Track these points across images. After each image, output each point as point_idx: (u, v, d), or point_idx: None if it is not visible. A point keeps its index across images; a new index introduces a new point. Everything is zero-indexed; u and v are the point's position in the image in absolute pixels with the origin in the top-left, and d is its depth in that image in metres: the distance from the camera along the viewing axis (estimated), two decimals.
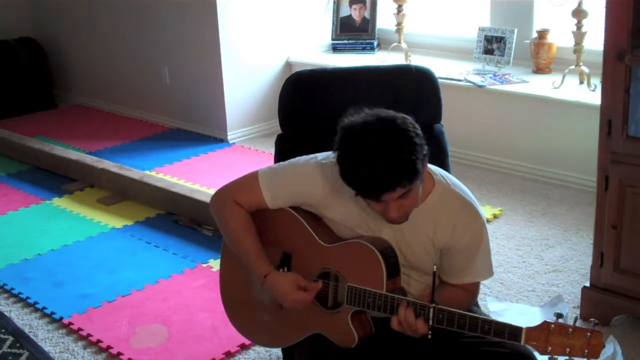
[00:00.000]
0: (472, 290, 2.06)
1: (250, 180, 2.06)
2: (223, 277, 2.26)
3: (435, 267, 1.86)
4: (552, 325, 1.71)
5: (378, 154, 1.77)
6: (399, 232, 1.96)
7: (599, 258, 2.84)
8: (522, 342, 1.75)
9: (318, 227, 2.03)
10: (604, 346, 1.70)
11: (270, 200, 2.03)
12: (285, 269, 2.06)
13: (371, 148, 1.78)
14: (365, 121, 1.83)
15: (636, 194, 2.69)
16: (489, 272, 2.04)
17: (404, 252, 1.98)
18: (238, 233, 2.06)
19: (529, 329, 1.74)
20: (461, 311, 1.81)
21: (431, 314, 1.82)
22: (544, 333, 1.72)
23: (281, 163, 2.10)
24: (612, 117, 2.68)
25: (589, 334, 1.68)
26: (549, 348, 1.71)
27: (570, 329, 1.70)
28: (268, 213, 2.06)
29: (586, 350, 1.68)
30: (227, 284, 2.25)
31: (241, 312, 2.22)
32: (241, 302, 2.20)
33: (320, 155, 2.04)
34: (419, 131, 1.83)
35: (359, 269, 1.93)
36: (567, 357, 1.70)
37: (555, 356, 1.71)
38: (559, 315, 1.73)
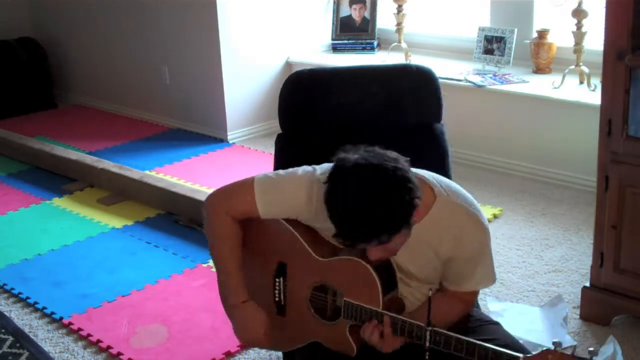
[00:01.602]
0: (469, 299, 2.05)
1: (245, 189, 2.00)
2: None
3: (430, 292, 1.85)
4: (550, 356, 1.68)
5: (358, 203, 1.71)
6: (398, 259, 1.94)
7: (599, 258, 2.84)
8: None
9: (313, 239, 2.01)
10: None
11: (264, 212, 1.99)
12: (282, 279, 2.05)
13: (353, 195, 1.72)
14: (357, 163, 1.75)
15: (636, 194, 2.69)
16: (491, 280, 2.02)
17: (406, 264, 1.96)
18: (224, 252, 2.04)
19: (526, 357, 1.72)
20: (458, 336, 1.79)
21: (428, 337, 1.81)
22: None
23: (279, 172, 2.03)
24: (612, 117, 2.68)
25: None
26: None
27: None
28: (263, 220, 2.04)
29: None
30: None
31: None
32: None
33: (319, 169, 1.98)
34: (411, 183, 1.74)
35: (355, 285, 1.91)
36: None
37: None
38: (557, 345, 1.70)
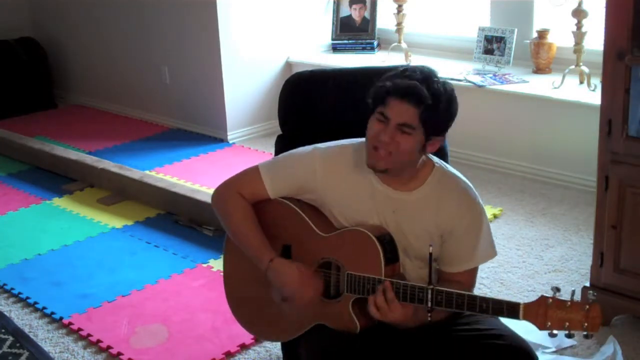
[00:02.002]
0: (470, 281, 2.07)
1: (251, 172, 2.11)
2: (227, 273, 2.27)
3: (431, 248, 1.88)
4: (550, 300, 1.71)
5: (430, 75, 1.92)
6: (403, 218, 1.98)
7: (599, 258, 2.84)
8: (521, 318, 1.75)
9: (317, 217, 2.05)
10: (602, 318, 1.69)
11: (271, 188, 2.07)
12: None
13: (424, 70, 1.94)
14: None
15: (636, 194, 2.69)
16: (493, 252, 2.07)
17: (406, 240, 2.00)
18: (241, 224, 2.08)
19: (526, 304, 1.74)
20: (459, 291, 1.82)
21: (429, 296, 1.83)
22: (542, 308, 1.72)
23: (281, 154, 2.15)
24: (612, 117, 2.68)
25: (587, 307, 1.68)
26: (548, 323, 1.71)
27: (568, 303, 1.69)
28: (267, 206, 2.09)
29: (585, 324, 1.68)
30: (230, 279, 2.26)
31: (245, 307, 2.24)
32: (245, 297, 2.22)
33: (320, 145, 2.08)
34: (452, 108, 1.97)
35: (358, 256, 1.95)
36: (566, 331, 1.69)
37: (555, 331, 1.70)
38: (557, 289, 1.72)
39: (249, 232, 2.07)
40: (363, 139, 2.02)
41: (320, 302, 2.01)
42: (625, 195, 2.71)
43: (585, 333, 1.69)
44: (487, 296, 1.81)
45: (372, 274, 1.91)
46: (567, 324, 1.69)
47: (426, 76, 1.92)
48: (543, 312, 1.72)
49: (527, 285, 3.24)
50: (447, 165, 2.07)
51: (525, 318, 1.74)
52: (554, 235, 3.67)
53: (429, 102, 1.88)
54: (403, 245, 2.00)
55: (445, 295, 1.82)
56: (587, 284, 2.92)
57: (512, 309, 1.76)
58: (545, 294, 1.74)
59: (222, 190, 2.14)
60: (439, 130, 1.95)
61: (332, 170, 2.02)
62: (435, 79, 1.93)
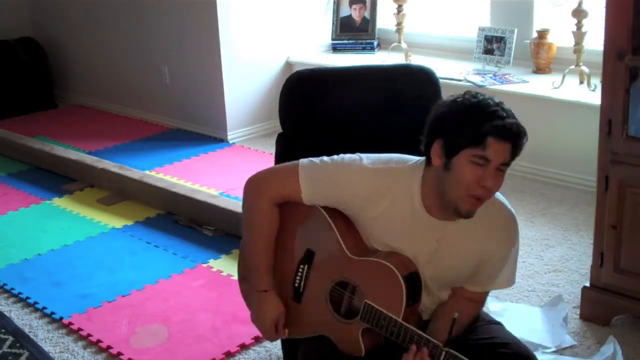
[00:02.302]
0: (481, 300, 2.05)
1: (289, 171, 2.00)
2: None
3: (456, 314, 1.84)
4: None
5: (505, 106, 1.84)
6: (442, 247, 1.93)
7: (599, 258, 2.84)
8: None
9: (348, 234, 1.99)
10: None
11: (307, 197, 1.98)
12: (306, 267, 2.04)
13: (495, 101, 1.83)
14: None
15: (636, 194, 2.69)
16: (511, 281, 2.03)
17: (438, 267, 1.94)
18: (259, 239, 2.05)
19: None
20: None
21: (442, 357, 1.80)
22: None
23: (323, 158, 2.00)
24: (612, 117, 2.68)
25: None
26: None
27: None
28: (301, 205, 2.02)
29: None
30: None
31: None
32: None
33: (365, 158, 1.97)
34: None
35: (379, 288, 1.90)
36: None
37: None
38: None
39: (262, 252, 2.05)
40: (413, 159, 1.95)
41: (330, 317, 1.99)
42: (625, 195, 2.71)
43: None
44: None
45: (390, 310, 1.87)
46: None
47: (507, 110, 1.84)
48: None
49: (527, 285, 3.24)
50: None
51: None
52: (554, 235, 3.67)
53: (526, 139, 1.86)
54: (433, 273, 1.94)
55: None
56: (587, 284, 2.92)
57: None
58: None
59: (255, 188, 2.05)
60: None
61: (376, 194, 1.92)
62: (508, 107, 1.85)
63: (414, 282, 1.90)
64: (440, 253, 1.92)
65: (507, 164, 1.83)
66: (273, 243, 2.05)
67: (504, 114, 1.81)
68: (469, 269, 1.95)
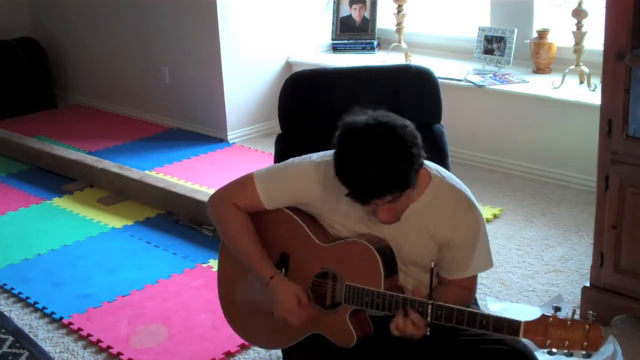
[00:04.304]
0: (470, 286, 2.06)
1: (246, 182, 2.06)
2: (221, 279, 2.26)
3: (432, 263, 1.87)
4: (551, 319, 1.72)
5: (372, 159, 1.78)
6: (399, 229, 1.96)
7: (599, 258, 2.84)
8: (521, 336, 1.76)
9: (315, 226, 2.04)
10: (602, 338, 1.70)
11: (266, 201, 2.04)
12: (284, 270, 2.05)
13: (366, 152, 1.78)
14: (367, 123, 1.82)
15: (636, 194, 2.69)
16: (488, 263, 2.05)
17: (404, 249, 1.98)
18: (239, 236, 2.06)
19: (527, 322, 1.75)
20: (460, 307, 1.81)
21: (429, 311, 1.82)
22: (542, 327, 1.73)
23: (276, 164, 2.11)
24: (612, 117, 2.68)
25: (587, 326, 1.68)
26: (548, 341, 1.72)
27: (569, 322, 1.70)
28: (265, 213, 2.07)
29: (585, 343, 1.68)
30: (225, 285, 2.25)
31: (239, 313, 2.22)
32: (239, 303, 2.21)
33: (315, 155, 2.04)
34: (418, 140, 1.83)
35: (357, 267, 1.93)
36: (566, 350, 1.70)
37: (554, 349, 1.71)
38: (557, 309, 1.73)
39: (249, 246, 2.05)
40: None
41: (317, 312, 2.00)
42: (625, 195, 2.71)
43: (584, 352, 1.69)
44: (488, 313, 1.81)
45: (372, 286, 1.90)
46: (567, 342, 1.70)
47: (374, 162, 1.78)
48: (543, 331, 1.72)
49: (527, 285, 3.24)
50: (445, 173, 2.02)
51: (526, 336, 1.75)
52: (554, 235, 3.67)
53: (394, 187, 1.80)
54: (400, 255, 1.98)
55: (446, 310, 1.81)
56: (587, 284, 2.92)
57: (512, 327, 1.76)
58: (546, 313, 1.74)
59: (217, 200, 2.11)
60: (414, 182, 1.84)
61: (329, 184, 1.96)
62: (400, 138, 1.80)
63: (387, 254, 1.93)
64: (398, 237, 1.97)
65: (397, 197, 1.82)
66: (256, 236, 2.06)
67: (360, 176, 1.78)
68: (429, 250, 1.98)
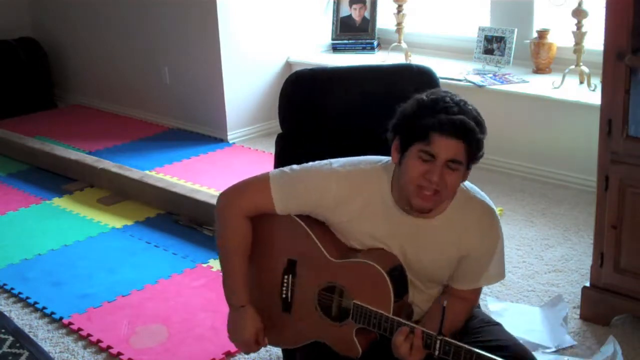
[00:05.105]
0: (474, 299, 2.06)
1: (260, 183, 2.00)
2: None
3: (445, 302, 1.83)
4: None
5: (462, 102, 1.83)
6: (419, 244, 1.94)
7: (599, 258, 2.84)
8: None
9: (326, 238, 2.00)
10: None
11: (280, 206, 1.98)
12: (290, 277, 2.04)
13: (454, 98, 1.83)
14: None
15: (636, 194, 2.69)
16: (501, 275, 2.03)
17: (421, 264, 1.96)
18: (233, 254, 2.05)
19: None
20: (468, 347, 1.78)
21: (438, 345, 1.80)
22: None
23: (293, 167, 2.02)
24: (612, 117, 2.68)
25: None
26: None
27: None
28: (275, 216, 2.03)
29: None
30: None
31: None
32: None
33: (335, 162, 1.98)
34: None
35: (366, 287, 1.91)
36: None
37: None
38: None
39: (237, 269, 2.04)
40: (383, 159, 1.98)
41: (323, 322, 1.99)
42: (625, 195, 2.71)
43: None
44: (495, 357, 1.77)
45: (380, 308, 1.87)
46: None
47: (461, 106, 1.82)
48: None
49: (527, 285, 3.24)
50: (470, 186, 1.99)
51: None
52: (554, 235, 3.67)
53: (477, 134, 1.81)
54: (416, 269, 1.96)
55: (454, 347, 1.78)
56: (587, 284, 2.92)
57: None
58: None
59: (226, 203, 2.05)
60: (477, 160, 1.87)
61: (348, 196, 1.93)
62: (470, 107, 1.84)
63: (398, 275, 1.91)
64: (418, 251, 1.94)
65: (458, 162, 1.81)
66: (247, 259, 2.05)
67: (454, 110, 1.80)
68: (450, 264, 1.96)
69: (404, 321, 1.86)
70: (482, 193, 2.00)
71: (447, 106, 1.80)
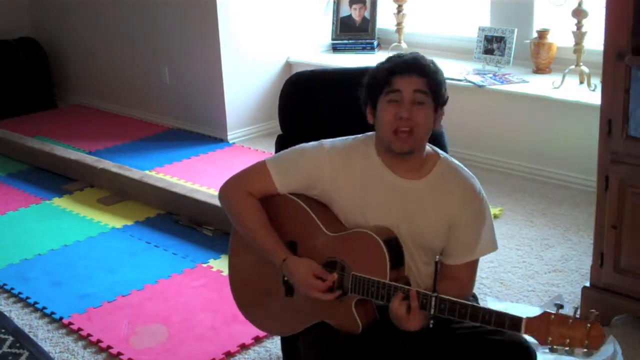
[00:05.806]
0: (469, 277, 2.09)
1: (258, 168, 2.11)
2: (232, 266, 2.29)
3: (438, 257, 1.91)
4: (553, 316, 1.73)
5: (415, 53, 2.04)
6: (412, 206, 2.01)
7: (599, 258, 2.84)
8: (522, 332, 1.77)
9: (324, 215, 2.06)
10: (604, 337, 1.70)
11: (280, 183, 2.08)
12: None
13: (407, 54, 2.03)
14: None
15: (636, 194, 2.69)
16: (493, 246, 2.10)
17: (417, 227, 2.02)
18: (253, 223, 2.09)
19: (529, 319, 1.76)
20: (463, 301, 1.83)
21: (433, 303, 1.84)
22: (544, 323, 1.73)
23: (285, 150, 2.14)
24: (612, 117, 2.68)
25: (588, 325, 1.69)
26: (549, 338, 1.72)
27: (571, 320, 1.70)
28: (273, 201, 2.10)
29: (586, 341, 1.69)
30: (236, 272, 2.28)
31: (250, 299, 2.24)
32: (250, 289, 2.23)
33: (325, 140, 2.10)
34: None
35: (364, 258, 1.95)
36: (567, 348, 1.71)
37: (556, 346, 1.72)
38: (560, 306, 1.74)
39: (262, 231, 2.08)
40: (368, 134, 2.09)
41: (324, 300, 2.01)
42: (625, 195, 2.71)
43: (585, 350, 1.70)
44: (490, 309, 1.81)
45: (377, 275, 1.92)
46: (568, 340, 1.70)
47: (414, 54, 2.03)
48: (545, 327, 1.73)
49: (527, 285, 3.24)
50: (451, 158, 2.11)
51: (527, 332, 1.76)
52: (554, 235, 3.67)
53: (433, 69, 1.98)
54: (410, 235, 2.00)
55: (449, 303, 1.83)
56: (587, 284, 2.92)
57: (514, 323, 1.77)
58: (548, 310, 1.75)
59: (230, 188, 2.15)
60: (442, 98, 2.02)
61: (341, 164, 2.04)
62: (427, 60, 2.03)
63: (394, 246, 1.96)
64: (412, 213, 2.01)
65: (423, 92, 1.96)
66: (268, 222, 2.09)
67: (407, 56, 2.01)
68: (441, 229, 2.03)
69: (399, 285, 1.90)
70: (463, 167, 2.11)
71: (400, 55, 2.03)
